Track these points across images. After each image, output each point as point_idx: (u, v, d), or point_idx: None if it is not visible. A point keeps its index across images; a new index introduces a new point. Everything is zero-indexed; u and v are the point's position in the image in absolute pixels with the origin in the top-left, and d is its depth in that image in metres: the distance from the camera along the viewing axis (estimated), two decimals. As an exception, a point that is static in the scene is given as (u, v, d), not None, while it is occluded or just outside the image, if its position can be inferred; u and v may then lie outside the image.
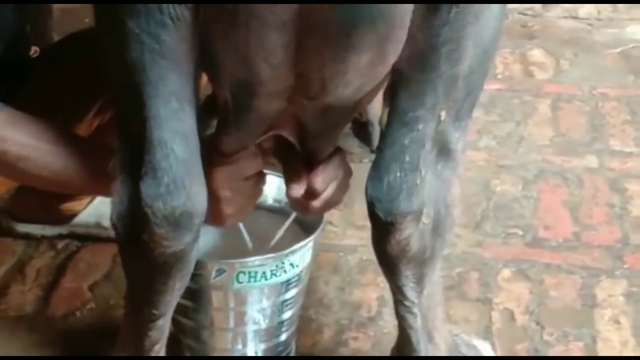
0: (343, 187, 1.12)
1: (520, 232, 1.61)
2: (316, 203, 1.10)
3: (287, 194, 1.11)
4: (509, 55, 2.27)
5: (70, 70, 1.39)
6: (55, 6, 1.83)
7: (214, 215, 1.04)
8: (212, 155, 1.02)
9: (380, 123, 1.72)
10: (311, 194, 1.09)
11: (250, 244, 1.21)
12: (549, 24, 2.44)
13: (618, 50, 2.30)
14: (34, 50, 1.52)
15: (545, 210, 1.67)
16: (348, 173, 1.12)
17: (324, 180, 1.09)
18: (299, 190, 1.09)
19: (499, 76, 2.18)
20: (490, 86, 2.10)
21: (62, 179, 1.16)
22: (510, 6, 2.46)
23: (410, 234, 0.99)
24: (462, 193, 1.66)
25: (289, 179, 1.10)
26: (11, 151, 1.13)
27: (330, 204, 1.12)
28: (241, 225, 1.21)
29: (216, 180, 1.03)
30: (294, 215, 1.21)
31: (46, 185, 1.23)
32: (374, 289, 1.46)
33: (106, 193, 1.06)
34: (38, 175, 1.15)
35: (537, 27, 2.43)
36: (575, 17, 2.48)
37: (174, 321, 1.20)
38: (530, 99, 2.07)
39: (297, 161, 1.10)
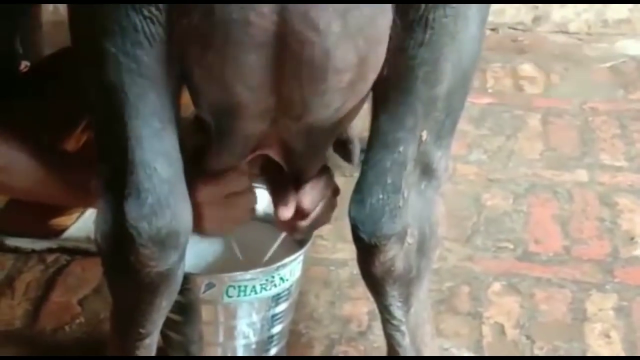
0: (331, 205, 1.12)
1: (511, 246, 1.62)
2: (304, 223, 1.10)
3: (276, 217, 1.10)
4: (499, 70, 2.28)
5: (60, 85, 1.39)
6: (46, 20, 1.83)
7: (195, 229, 1.03)
8: (196, 170, 1.02)
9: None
10: (299, 214, 1.09)
11: (240, 257, 1.21)
12: (539, 39, 2.46)
13: (608, 65, 2.31)
14: (24, 65, 1.52)
15: (535, 224, 1.68)
16: (335, 191, 1.12)
17: (312, 200, 1.09)
18: (287, 213, 1.09)
19: (490, 90, 2.19)
20: (480, 100, 2.11)
21: (44, 192, 1.16)
22: (500, 21, 2.48)
23: (395, 255, 0.99)
24: (453, 207, 1.68)
25: (277, 202, 1.10)
26: None
27: (318, 223, 1.13)
28: (232, 238, 1.21)
29: (200, 196, 1.03)
30: (284, 233, 1.20)
31: (29, 198, 1.23)
32: (365, 303, 1.45)
33: (91, 205, 1.06)
34: (20, 187, 1.15)
35: (528, 42, 2.44)
36: (566, 32, 2.49)
37: (163, 336, 1.20)
38: (521, 113, 2.08)
39: (285, 182, 1.10)
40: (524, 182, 1.81)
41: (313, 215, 1.09)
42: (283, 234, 1.20)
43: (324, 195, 1.09)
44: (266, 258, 1.21)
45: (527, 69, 2.30)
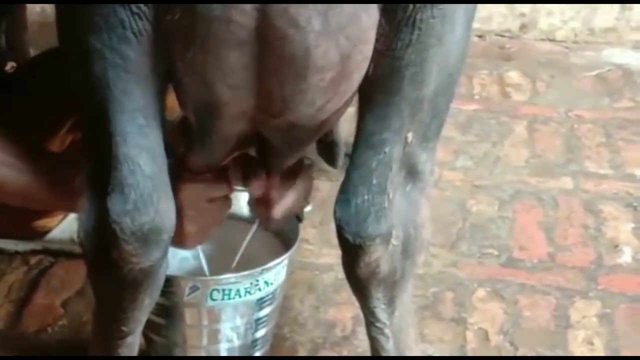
0: (303, 194, 1.12)
1: (496, 253, 1.62)
2: (275, 211, 1.10)
3: (249, 197, 1.10)
4: (486, 77, 2.29)
5: (45, 86, 1.39)
6: (33, 20, 1.82)
7: (176, 233, 1.03)
8: (179, 173, 1.01)
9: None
10: (270, 201, 1.09)
11: (207, 272, 1.21)
12: (526, 46, 2.47)
13: (594, 73, 2.32)
14: (10, 66, 1.51)
15: (520, 231, 1.68)
16: (309, 179, 1.12)
17: (282, 188, 1.09)
18: (258, 188, 1.09)
19: (476, 97, 2.19)
20: (467, 107, 2.12)
21: (28, 194, 1.15)
22: (487, 28, 2.49)
23: (380, 256, 0.99)
24: (438, 213, 1.68)
25: (249, 180, 1.09)
26: None
27: (291, 211, 1.12)
28: (200, 251, 1.21)
29: (182, 198, 1.02)
30: (256, 225, 1.20)
31: (12, 200, 1.22)
32: (349, 308, 1.45)
33: (74, 209, 1.05)
34: (3, 189, 1.15)
35: (515, 49, 2.45)
36: (552, 40, 2.51)
37: (146, 339, 1.19)
38: (507, 120, 2.09)
39: (258, 168, 1.09)
40: (510, 188, 1.81)
41: (284, 204, 1.09)
42: (253, 229, 1.19)
43: (295, 184, 1.09)
44: (238, 256, 1.20)
45: (513, 76, 2.31)
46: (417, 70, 0.90)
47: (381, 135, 0.93)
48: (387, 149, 0.94)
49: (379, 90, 0.92)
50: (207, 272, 1.21)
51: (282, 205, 1.10)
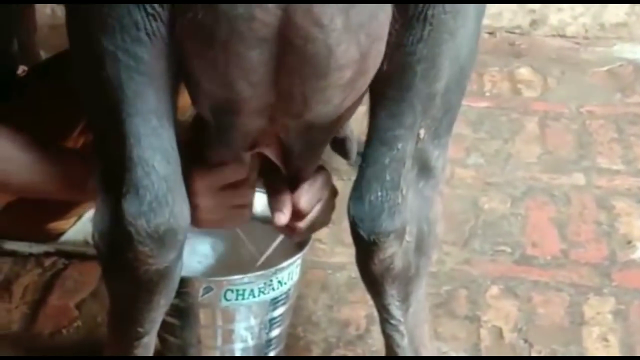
0: (329, 207, 1.12)
1: (509, 250, 1.62)
2: (301, 224, 1.10)
3: (273, 221, 1.10)
4: (496, 74, 2.28)
5: (57, 88, 1.39)
6: (43, 23, 1.83)
7: (191, 221, 1.03)
8: (192, 161, 1.01)
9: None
10: (296, 215, 1.09)
11: (254, 253, 1.21)
12: (536, 43, 2.46)
13: (605, 68, 2.31)
14: (22, 70, 1.52)
15: (533, 228, 1.68)
16: (334, 193, 1.12)
17: (308, 201, 1.09)
18: (284, 217, 1.09)
19: (487, 94, 2.19)
20: (478, 104, 2.11)
21: (42, 188, 1.16)
22: (498, 24, 2.48)
23: (394, 253, 0.99)
24: (450, 210, 1.68)
25: (274, 207, 1.10)
26: None
27: (317, 225, 1.13)
28: (241, 234, 1.20)
29: (196, 186, 1.02)
30: (281, 236, 1.20)
31: (26, 194, 1.22)
32: (363, 307, 1.45)
33: (88, 202, 1.05)
34: (17, 184, 1.15)
35: (525, 46, 2.44)
36: (563, 36, 2.49)
37: (161, 339, 1.19)
38: (518, 117, 2.08)
39: (281, 185, 1.10)
40: (522, 185, 1.81)
41: (310, 217, 1.09)
42: (281, 237, 1.20)
43: (321, 197, 1.10)
44: (262, 259, 1.21)
45: (524, 72, 2.30)
46: (429, 65, 0.91)
47: (394, 132, 0.94)
48: (400, 146, 0.94)
49: (391, 86, 0.92)
50: (254, 253, 1.20)
51: (307, 219, 1.10)
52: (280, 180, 1.09)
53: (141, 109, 0.92)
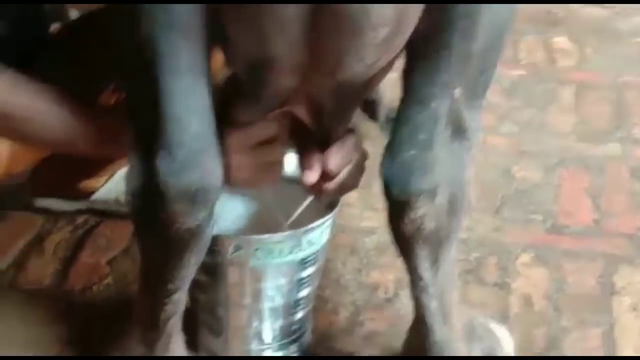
0: (358, 170, 1.11)
1: (540, 218, 1.60)
2: (330, 185, 1.10)
3: (302, 180, 1.10)
4: (532, 42, 2.25)
5: (88, 47, 1.39)
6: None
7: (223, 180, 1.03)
8: (223, 120, 1.01)
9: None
10: (325, 176, 1.09)
11: (279, 218, 1.21)
12: (573, 11, 2.42)
13: (643, 39, 2.28)
14: (54, 28, 1.52)
15: (565, 197, 1.66)
16: (364, 156, 1.12)
17: (338, 162, 1.08)
18: (313, 176, 1.09)
19: (522, 62, 2.16)
20: (512, 72, 2.09)
21: (67, 142, 1.16)
22: (535, -7, 2.45)
23: (425, 213, 0.99)
24: (482, 178, 1.67)
25: (303, 165, 1.10)
26: (14, 113, 1.13)
27: (346, 187, 1.12)
28: (243, 209, 1.21)
29: (227, 144, 1.02)
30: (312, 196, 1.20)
31: (53, 148, 1.23)
32: (391, 271, 1.45)
33: (119, 155, 1.05)
34: (43, 137, 1.16)
35: (562, 14, 2.40)
36: (601, 5, 2.45)
37: (190, 296, 1.20)
38: (553, 86, 2.05)
39: (312, 145, 1.09)
40: (555, 154, 1.79)
41: (339, 178, 1.09)
42: (310, 197, 1.20)
43: (350, 158, 1.09)
44: (291, 219, 1.21)
45: (560, 41, 2.27)
46: (468, 23, 0.89)
47: (429, 90, 0.93)
48: (434, 104, 0.93)
49: (428, 44, 0.91)
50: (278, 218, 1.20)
51: (337, 179, 1.10)
52: (311, 140, 1.09)
53: (175, 66, 0.91)
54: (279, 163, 1.12)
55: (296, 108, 1.05)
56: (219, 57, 0.99)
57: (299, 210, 1.21)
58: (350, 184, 1.13)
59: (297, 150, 1.13)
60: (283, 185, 1.21)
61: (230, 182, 1.06)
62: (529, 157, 1.78)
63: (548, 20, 2.37)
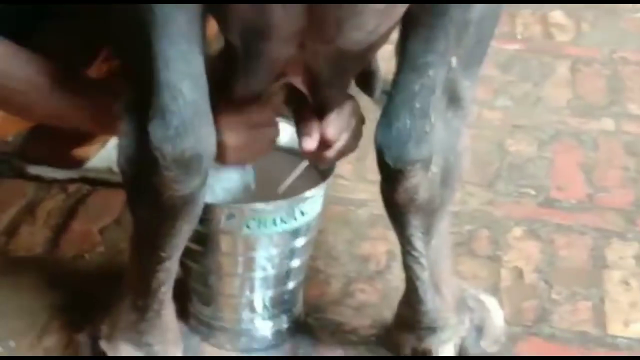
0: (356, 134, 1.11)
1: (533, 192, 1.60)
2: (329, 152, 1.10)
3: (300, 147, 1.10)
4: (529, 16, 2.24)
5: (81, 14, 1.38)
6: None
7: (217, 158, 1.03)
8: (219, 99, 1.01)
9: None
10: (324, 143, 1.09)
11: (253, 185, 1.21)
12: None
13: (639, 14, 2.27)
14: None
15: (559, 172, 1.66)
16: (361, 120, 1.11)
17: (336, 129, 1.08)
18: (312, 143, 1.08)
19: (519, 36, 2.15)
20: (509, 46, 2.08)
21: (62, 114, 1.16)
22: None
23: (419, 182, 0.99)
24: (475, 151, 1.66)
25: (302, 132, 1.10)
26: (9, 85, 1.12)
27: (344, 152, 1.12)
28: (238, 179, 1.21)
29: (222, 125, 1.02)
30: (306, 162, 1.20)
31: (47, 120, 1.22)
32: (383, 243, 1.45)
33: (106, 131, 1.05)
34: (38, 109, 1.15)
35: (559, -12, 2.39)
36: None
37: (182, 265, 1.20)
38: (549, 61, 2.05)
39: (309, 112, 1.09)
40: (549, 129, 1.79)
41: (338, 145, 1.08)
42: (303, 164, 1.19)
43: (349, 124, 1.09)
44: (284, 187, 1.20)
45: (557, 16, 2.25)
46: None
47: (426, 58, 0.92)
48: (431, 72, 0.93)
49: (426, 12, 0.91)
50: (252, 186, 1.21)
51: (336, 146, 1.09)
52: (307, 107, 1.08)
53: (171, 32, 0.91)
54: (273, 141, 1.12)
55: (293, 78, 1.04)
56: (212, 25, 0.98)
57: (291, 178, 1.20)
58: (348, 149, 1.13)
59: (294, 118, 1.12)
60: (278, 155, 1.21)
61: (223, 161, 1.06)
62: (523, 131, 1.78)
63: (545, -6, 2.36)
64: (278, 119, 1.15)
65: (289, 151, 1.23)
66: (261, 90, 1.05)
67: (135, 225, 1.10)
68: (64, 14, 1.40)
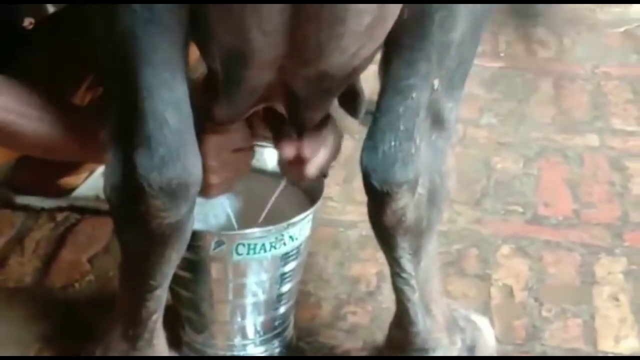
0: (334, 149, 1.12)
1: (520, 210, 1.61)
2: (310, 169, 1.10)
3: (280, 158, 1.10)
4: (512, 33, 2.26)
5: (65, 43, 1.38)
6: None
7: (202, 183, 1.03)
8: (202, 124, 1.01)
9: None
10: (302, 161, 1.09)
11: (235, 226, 1.22)
12: (552, 3, 2.43)
13: (622, 29, 2.29)
14: (29, 22, 1.50)
15: (545, 188, 1.67)
16: (338, 135, 1.12)
17: (314, 146, 1.08)
18: (290, 151, 1.09)
19: (502, 54, 2.17)
20: (492, 64, 2.10)
21: (50, 146, 1.16)
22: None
23: (406, 204, 0.99)
24: (463, 170, 1.68)
25: (280, 144, 1.10)
26: (5, 118, 1.13)
27: (324, 167, 1.12)
28: (227, 204, 1.21)
29: (204, 149, 1.02)
30: (283, 184, 1.20)
31: (34, 151, 1.22)
32: (373, 264, 1.46)
33: (96, 160, 1.05)
34: (26, 141, 1.15)
35: (541, 6, 2.41)
36: (581, -4, 2.47)
37: (173, 293, 1.20)
38: (533, 77, 2.07)
39: (287, 132, 1.09)
40: (535, 145, 1.80)
41: (317, 160, 1.09)
42: (281, 186, 1.20)
43: (326, 139, 1.09)
44: (262, 217, 1.21)
45: (540, 32, 2.28)
46: (447, 14, 0.90)
47: (409, 80, 0.93)
48: (414, 95, 0.94)
49: (408, 34, 0.91)
50: (235, 226, 1.22)
51: (315, 162, 1.10)
52: (286, 127, 1.09)
53: (154, 60, 0.91)
54: (250, 163, 1.12)
55: (272, 101, 1.05)
56: (193, 51, 0.99)
57: (270, 203, 1.21)
58: (327, 164, 1.13)
59: (273, 133, 1.12)
60: (265, 179, 1.21)
61: (207, 186, 1.06)
62: (509, 148, 1.79)
63: (527, 12, 2.38)
64: (264, 144, 1.16)
65: (275, 175, 1.23)
66: (241, 115, 1.06)
67: (123, 254, 1.09)
68: (47, 43, 1.41)
